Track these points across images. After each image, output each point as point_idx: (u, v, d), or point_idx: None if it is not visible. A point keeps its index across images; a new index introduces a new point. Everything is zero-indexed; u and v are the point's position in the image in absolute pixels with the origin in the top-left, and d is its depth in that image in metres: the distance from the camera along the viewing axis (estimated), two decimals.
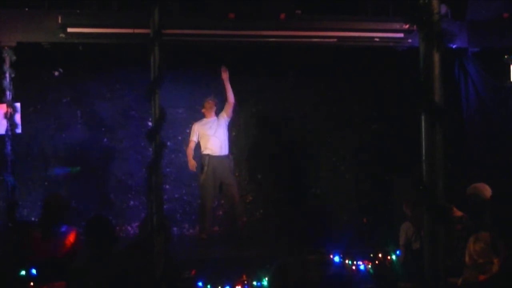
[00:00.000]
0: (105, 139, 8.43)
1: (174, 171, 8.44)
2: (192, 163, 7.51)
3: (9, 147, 6.61)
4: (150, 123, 5.21)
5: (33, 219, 7.90)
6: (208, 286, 5.85)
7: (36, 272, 5.15)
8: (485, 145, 8.02)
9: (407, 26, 2.58)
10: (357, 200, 8.80)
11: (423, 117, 2.51)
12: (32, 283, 5.16)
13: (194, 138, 7.64)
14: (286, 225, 7.86)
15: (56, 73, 8.20)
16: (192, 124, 7.78)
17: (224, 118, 7.65)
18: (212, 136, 7.54)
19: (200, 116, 7.82)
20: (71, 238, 5.20)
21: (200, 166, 7.53)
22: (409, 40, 7.40)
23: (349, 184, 8.96)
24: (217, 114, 7.70)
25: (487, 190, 5.61)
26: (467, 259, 4.23)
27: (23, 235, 5.43)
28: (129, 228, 8.29)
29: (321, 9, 7.47)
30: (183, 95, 8.48)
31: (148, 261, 3.94)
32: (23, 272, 5.17)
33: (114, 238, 4.09)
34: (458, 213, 5.44)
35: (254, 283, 5.88)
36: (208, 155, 7.51)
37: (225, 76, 7.57)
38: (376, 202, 8.42)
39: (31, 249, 5.18)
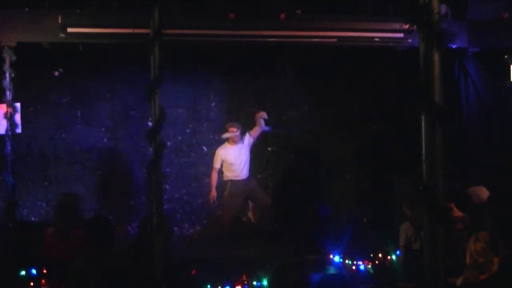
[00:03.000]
0: (105, 139, 8.43)
1: (174, 171, 8.44)
2: (213, 194, 7.54)
3: (9, 147, 6.61)
4: (150, 123, 5.21)
5: (33, 219, 7.91)
6: (208, 286, 5.85)
7: (48, 271, 5.15)
8: (485, 145, 8.01)
9: (407, 26, 2.57)
10: (357, 200, 8.80)
11: (423, 117, 2.51)
12: (32, 283, 5.16)
13: (217, 165, 7.57)
14: (286, 225, 7.88)
15: (56, 73, 8.20)
16: (215, 150, 7.72)
17: (248, 138, 7.59)
18: (235, 163, 7.52)
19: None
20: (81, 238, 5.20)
21: (222, 189, 7.60)
22: (409, 40, 7.39)
23: (349, 184, 8.96)
24: (241, 137, 7.58)
25: (484, 193, 5.60)
26: (467, 258, 4.24)
27: (38, 234, 5.43)
28: (129, 228, 8.29)
29: (321, 9, 7.46)
30: (183, 95, 8.48)
31: (148, 261, 3.95)
32: (23, 272, 5.17)
33: (114, 238, 4.09)
34: (459, 213, 5.44)
35: (254, 283, 5.88)
36: (230, 180, 7.54)
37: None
38: (376, 202, 8.41)
39: (45, 249, 5.18)
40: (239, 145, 7.58)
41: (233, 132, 7.44)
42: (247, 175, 7.61)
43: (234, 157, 7.53)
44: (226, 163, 7.55)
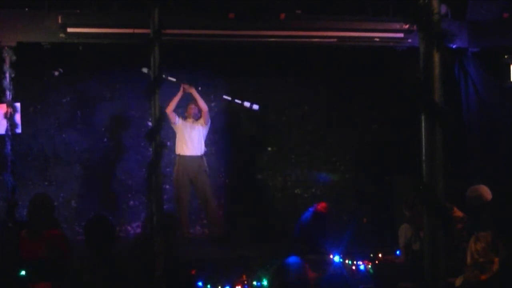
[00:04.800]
0: (105, 139, 8.43)
1: None
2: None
3: (9, 147, 6.60)
4: (150, 123, 5.21)
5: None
6: (208, 286, 5.84)
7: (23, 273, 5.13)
8: (485, 145, 8.01)
9: (407, 26, 2.57)
10: (357, 200, 8.80)
11: (423, 117, 2.50)
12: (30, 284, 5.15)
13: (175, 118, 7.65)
14: (285, 225, 7.87)
15: (56, 73, 8.19)
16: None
17: (202, 125, 7.69)
18: (183, 138, 7.64)
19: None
20: (56, 239, 5.17)
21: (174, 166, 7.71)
22: (409, 40, 7.39)
23: (349, 184, 8.96)
24: (197, 120, 7.74)
25: (487, 193, 5.60)
26: (468, 258, 4.25)
27: (13, 235, 5.41)
28: (129, 228, 8.29)
29: (321, 9, 7.46)
30: (183, 95, 8.47)
31: (148, 261, 3.95)
32: (23, 272, 5.16)
33: (114, 238, 4.09)
34: (459, 213, 5.44)
35: (254, 283, 5.88)
36: (178, 155, 7.66)
37: (190, 90, 7.60)
38: (376, 202, 8.41)
39: (19, 249, 5.15)
40: (190, 124, 7.67)
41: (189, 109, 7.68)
42: (196, 154, 7.63)
43: (183, 131, 7.63)
44: (177, 134, 7.68)
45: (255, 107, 7.79)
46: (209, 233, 8.09)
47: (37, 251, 5.04)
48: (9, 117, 6.58)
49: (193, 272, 5.66)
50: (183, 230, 7.57)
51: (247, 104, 7.81)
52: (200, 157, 7.67)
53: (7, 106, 6.58)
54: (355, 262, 6.34)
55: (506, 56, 7.66)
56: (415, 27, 2.51)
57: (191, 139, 7.63)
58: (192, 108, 7.73)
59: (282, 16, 7.16)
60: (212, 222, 7.81)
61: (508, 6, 7.64)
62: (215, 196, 7.88)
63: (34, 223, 5.12)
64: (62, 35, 6.74)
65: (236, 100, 7.83)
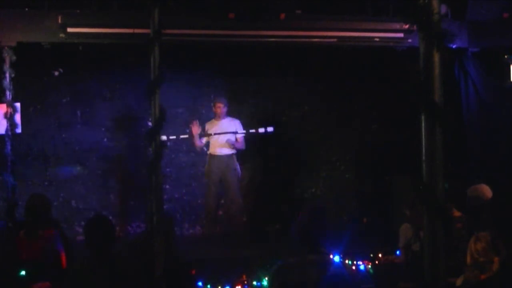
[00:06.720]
0: (105, 139, 8.42)
1: (174, 171, 8.44)
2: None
3: (9, 147, 6.61)
4: (150, 123, 5.21)
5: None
6: (208, 286, 5.85)
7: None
8: (485, 145, 8.02)
9: (407, 26, 2.57)
10: (357, 200, 8.80)
11: (423, 117, 2.50)
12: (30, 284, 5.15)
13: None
14: (285, 225, 7.88)
15: (56, 73, 8.20)
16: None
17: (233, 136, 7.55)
18: (212, 138, 7.56)
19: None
20: (52, 239, 5.16)
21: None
22: (409, 40, 7.40)
23: (349, 184, 8.96)
24: (227, 115, 7.63)
25: (488, 191, 5.61)
26: (468, 258, 4.26)
27: (12, 235, 5.42)
28: (129, 228, 8.29)
29: (321, 9, 7.47)
30: (183, 95, 8.48)
31: (148, 260, 3.95)
32: (23, 272, 5.16)
33: (114, 238, 4.09)
34: (457, 212, 5.45)
35: (254, 283, 5.88)
36: (209, 154, 7.61)
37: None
38: (376, 202, 8.42)
39: (17, 250, 5.15)
40: (223, 121, 7.58)
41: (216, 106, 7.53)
42: (226, 153, 7.57)
43: (212, 130, 7.57)
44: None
45: (270, 129, 7.66)
46: (229, 232, 8.04)
47: (36, 252, 5.04)
48: (9, 117, 6.58)
49: (193, 272, 5.66)
50: (205, 226, 7.58)
51: (261, 130, 7.68)
52: (230, 156, 7.60)
53: (7, 106, 6.58)
54: (355, 262, 6.34)
55: (506, 56, 7.67)
56: (415, 27, 2.51)
57: (219, 139, 7.55)
58: (219, 107, 7.57)
59: (282, 16, 7.17)
60: (231, 221, 7.73)
61: (508, 6, 7.65)
62: (240, 196, 7.78)
63: (32, 224, 5.12)
64: (62, 35, 6.74)
65: (251, 131, 7.70)
